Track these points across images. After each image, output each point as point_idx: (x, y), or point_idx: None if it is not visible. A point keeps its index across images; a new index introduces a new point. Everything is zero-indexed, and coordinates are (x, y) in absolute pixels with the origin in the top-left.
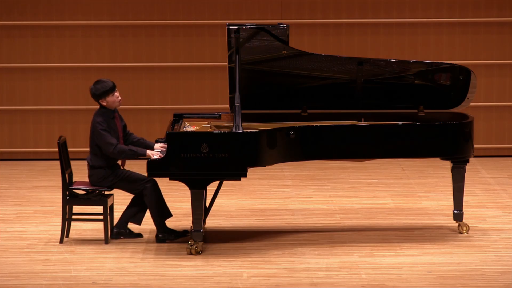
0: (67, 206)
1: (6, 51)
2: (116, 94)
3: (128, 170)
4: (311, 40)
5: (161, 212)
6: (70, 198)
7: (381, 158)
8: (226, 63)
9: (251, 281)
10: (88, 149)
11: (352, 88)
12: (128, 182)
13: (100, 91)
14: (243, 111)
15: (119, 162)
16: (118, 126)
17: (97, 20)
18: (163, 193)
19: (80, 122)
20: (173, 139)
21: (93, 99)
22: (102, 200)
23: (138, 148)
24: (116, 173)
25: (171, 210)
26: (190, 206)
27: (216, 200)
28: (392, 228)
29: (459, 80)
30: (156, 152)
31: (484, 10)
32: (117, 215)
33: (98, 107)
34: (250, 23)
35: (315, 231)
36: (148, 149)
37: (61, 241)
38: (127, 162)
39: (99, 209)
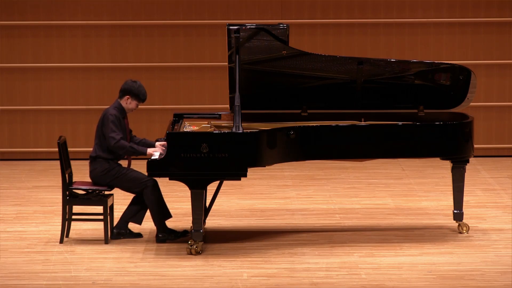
0: (67, 206)
1: (6, 51)
2: (139, 106)
3: (130, 169)
4: (311, 40)
5: (161, 212)
6: (70, 198)
7: (381, 158)
8: (226, 63)
9: (251, 281)
10: (88, 149)
11: (352, 88)
12: (129, 181)
13: (137, 90)
14: (243, 111)
15: (125, 162)
16: (127, 127)
17: (97, 20)
18: (163, 193)
19: (80, 122)
20: (173, 139)
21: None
22: (102, 200)
23: (139, 147)
24: (119, 169)
25: (171, 210)
26: (190, 206)
27: (216, 200)
28: (392, 228)
29: (459, 80)
30: (158, 146)
31: (484, 10)
32: (117, 215)
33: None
34: (250, 23)
35: (315, 231)
36: (144, 146)
37: (61, 241)
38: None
39: (99, 209)
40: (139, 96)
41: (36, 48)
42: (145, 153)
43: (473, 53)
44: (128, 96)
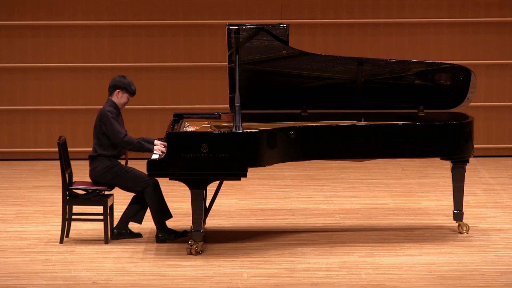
0: (67, 206)
1: (6, 51)
2: (129, 100)
3: (131, 167)
4: (311, 40)
5: (162, 212)
6: (70, 198)
7: (381, 158)
8: (226, 63)
9: (251, 281)
10: (88, 149)
11: (352, 88)
12: (130, 179)
13: (126, 85)
14: (243, 111)
15: (123, 161)
16: (123, 123)
17: (97, 20)
18: (163, 193)
19: (80, 122)
20: (173, 139)
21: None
22: (102, 200)
23: (146, 144)
24: (120, 166)
25: (171, 210)
26: (190, 206)
27: (216, 200)
28: (392, 228)
29: (459, 80)
30: (161, 144)
31: (484, 10)
32: (117, 215)
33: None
34: (250, 23)
35: (315, 231)
36: (149, 143)
37: (61, 241)
38: (130, 161)
39: (99, 209)
40: (128, 88)
41: (36, 48)
42: (151, 150)
43: (473, 53)
44: (118, 90)
